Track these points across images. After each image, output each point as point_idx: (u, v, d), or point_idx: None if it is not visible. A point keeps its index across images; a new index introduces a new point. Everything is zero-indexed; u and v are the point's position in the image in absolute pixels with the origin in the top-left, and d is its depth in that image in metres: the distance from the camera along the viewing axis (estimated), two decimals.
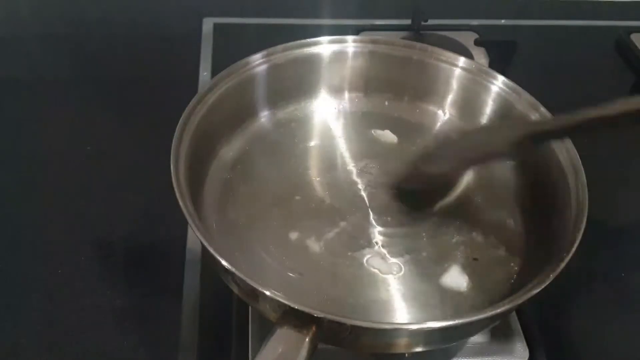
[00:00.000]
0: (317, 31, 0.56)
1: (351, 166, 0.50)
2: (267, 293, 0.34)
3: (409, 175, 0.47)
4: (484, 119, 0.53)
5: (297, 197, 0.46)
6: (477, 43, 0.76)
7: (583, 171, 0.43)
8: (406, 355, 0.44)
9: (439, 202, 0.47)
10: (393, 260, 0.44)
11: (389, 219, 0.46)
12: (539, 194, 0.47)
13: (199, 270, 0.52)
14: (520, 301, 0.36)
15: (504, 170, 0.50)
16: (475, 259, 0.44)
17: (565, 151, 0.45)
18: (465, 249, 0.44)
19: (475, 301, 0.41)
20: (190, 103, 0.45)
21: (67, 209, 0.57)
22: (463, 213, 0.47)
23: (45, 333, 0.48)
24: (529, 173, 0.49)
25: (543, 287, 0.36)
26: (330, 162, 0.50)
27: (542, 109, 0.48)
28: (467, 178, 0.49)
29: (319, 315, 0.33)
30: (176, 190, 0.39)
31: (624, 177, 0.65)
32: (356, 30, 0.77)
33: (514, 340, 0.47)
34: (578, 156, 0.44)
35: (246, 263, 0.42)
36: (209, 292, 0.51)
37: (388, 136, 0.53)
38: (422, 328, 0.35)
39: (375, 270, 0.43)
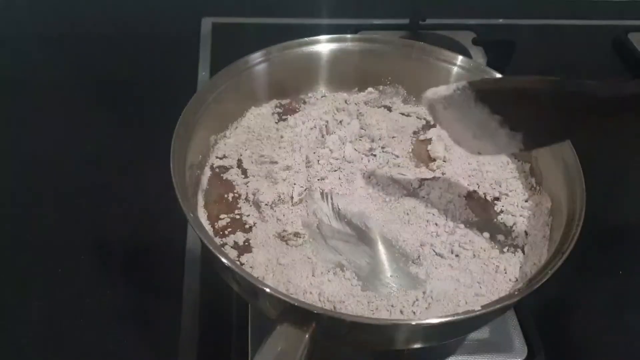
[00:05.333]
0: (316, 30, 0.56)
1: (351, 164, 0.50)
2: (267, 290, 0.34)
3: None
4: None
5: (298, 196, 0.46)
6: (475, 42, 0.76)
7: (582, 171, 0.43)
8: (405, 351, 0.44)
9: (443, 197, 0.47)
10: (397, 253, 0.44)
11: (390, 214, 0.46)
12: (537, 192, 0.48)
13: (199, 270, 0.52)
14: (518, 298, 0.36)
15: (507, 173, 0.50)
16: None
17: (564, 151, 0.45)
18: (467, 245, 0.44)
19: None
20: (190, 102, 0.46)
21: (67, 209, 0.57)
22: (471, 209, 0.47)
23: (45, 333, 0.48)
24: (529, 172, 0.49)
25: (541, 283, 0.36)
26: (330, 161, 0.50)
27: None
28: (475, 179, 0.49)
29: (318, 312, 0.33)
30: (176, 190, 0.39)
31: (623, 177, 0.65)
32: (355, 30, 0.77)
33: (512, 338, 0.47)
34: (577, 156, 0.44)
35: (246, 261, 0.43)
36: (209, 292, 0.51)
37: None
38: (421, 324, 0.35)
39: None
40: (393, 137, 0.52)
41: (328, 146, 0.50)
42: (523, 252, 0.44)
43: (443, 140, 0.52)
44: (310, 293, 0.39)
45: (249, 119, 0.52)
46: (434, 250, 0.44)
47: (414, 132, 0.53)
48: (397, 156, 0.51)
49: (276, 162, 0.48)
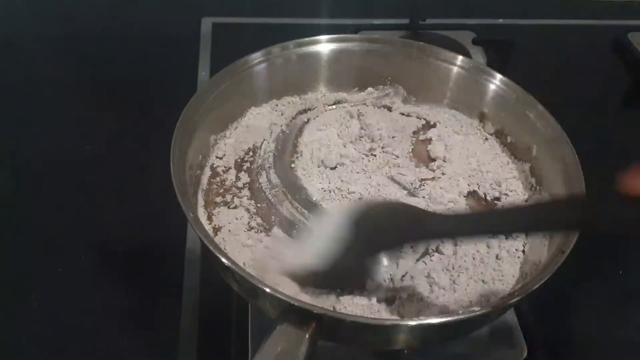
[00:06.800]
0: (316, 30, 0.56)
1: (352, 164, 0.50)
2: (267, 290, 0.34)
3: None
4: (482, 117, 0.53)
5: (298, 194, 0.46)
6: (475, 42, 0.77)
7: (581, 171, 0.43)
8: (405, 351, 0.44)
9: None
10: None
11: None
12: (537, 192, 0.48)
13: (198, 270, 0.52)
14: (518, 298, 0.36)
15: (507, 173, 0.50)
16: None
17: (564, 151, 0.45)
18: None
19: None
20: (189, 102, 0.46)
21: (67, 209, 0.57)
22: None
23: (45, 333, 0.48)
24: (529, 172, 0.49)
25: (541, 283, 0.36)
26: (329, 160, 0.50)
27: (540, 107, 0.48)
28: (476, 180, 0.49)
29: (318, 312, 0.33)
30: (176, 190, 0.39)
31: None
32: (355, 30, 0.77)
33: (512, 338, 0.47)
34: (577, 156, 0.44)
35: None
36: (209, 292, 0.51)
37: None
38: (421, 324, 0.35)
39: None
40: (393, 137, 0.52)
41: (329, 146, 0.50)
42: (523, 252, 0.44)
43: (443, 140, 0.52)
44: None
45: (249, 119, 0.52)
46: (434, 250, 0.44)
47: (414, 132, 0.54)
48: (397, 156, 0.51)
49: None
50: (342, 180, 0.48)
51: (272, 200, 0.46)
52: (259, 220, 0.45)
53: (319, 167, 0.49)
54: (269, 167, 0.49)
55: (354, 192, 0.47)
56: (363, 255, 0.39)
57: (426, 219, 0.39)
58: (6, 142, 0.63)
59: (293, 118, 0.53)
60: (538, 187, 0.48)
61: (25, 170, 0.61)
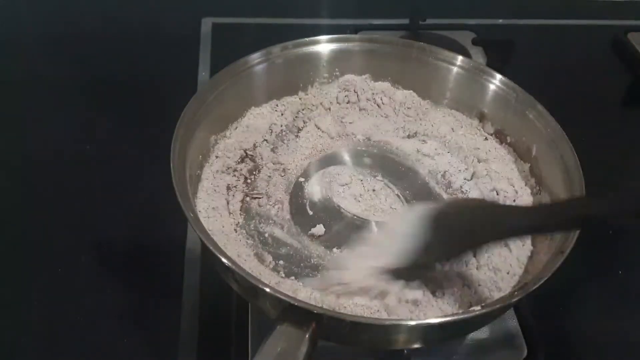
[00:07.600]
0: (316, 30, 0.56)
1: (350, 161, 0.50)
2: (267, 290, 0.34)
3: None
4: (482, 117, 0.53)
5: (297, 194, 0.47)
6: (475, 42, 0.77)
7: (581, 171, 0.43)
8: (405, 351, 0.44)
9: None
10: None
11: (386, 211, 0.46)
12: (537, 192, 0.48)
13: (198, 270, 0.52)
14: (518, 298, 0.36)
15: (507, 173, 0.50)
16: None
17: (564, 151, 0.45)
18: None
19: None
20: (189, 103, 0.46)
21: (67, 209, 0.57)
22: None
23: (45, 333, 0.48)
24: (529, 172, 0.49)
25: (541, 283, 0.36)
26: (328, 160, 0.50)
27: (539, 106, 0.48)
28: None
29: (318, 312, 0.34)
30: (176, 190, 0.39)
31: (623, 177, 0.65)
32: (354, 30, 0.77)
33: (512, 338, 0.47)
34: (577, 156, 0.44)
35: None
36: (209, 292, 0.51)
37: None
38: (421, 324, 0.35)
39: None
40: None
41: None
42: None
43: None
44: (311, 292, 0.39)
45: (249, 119, 0.52)
46: None
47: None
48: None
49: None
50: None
51: (272, 200, 0.46)
52: (258, 219, 0.45)
53: (318, 167, 0.49)
54: (269, 168, 0.49)
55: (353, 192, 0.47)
56: (443, 256, 0.37)
57: (505, 213, 0.37)
58: (6, 142, 0.63)
59: (293, 118, 0.53)
60: (538, 187, 0.48)
61: (25, 170, 0.61)
